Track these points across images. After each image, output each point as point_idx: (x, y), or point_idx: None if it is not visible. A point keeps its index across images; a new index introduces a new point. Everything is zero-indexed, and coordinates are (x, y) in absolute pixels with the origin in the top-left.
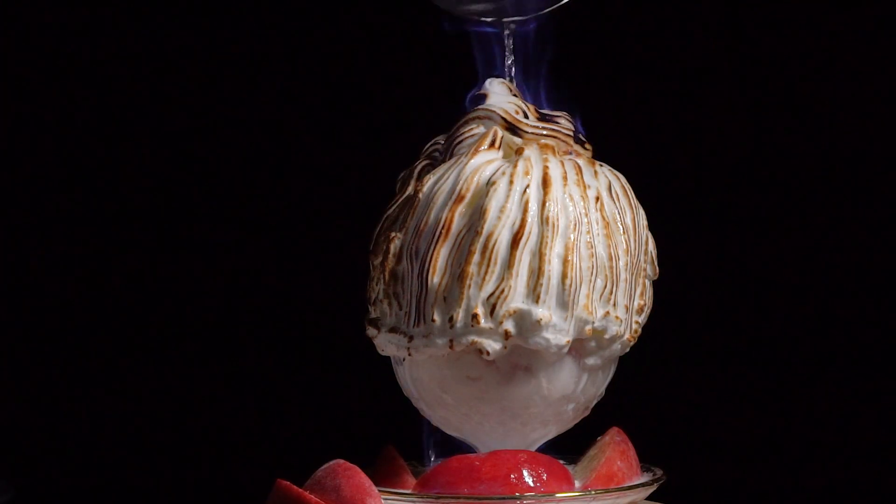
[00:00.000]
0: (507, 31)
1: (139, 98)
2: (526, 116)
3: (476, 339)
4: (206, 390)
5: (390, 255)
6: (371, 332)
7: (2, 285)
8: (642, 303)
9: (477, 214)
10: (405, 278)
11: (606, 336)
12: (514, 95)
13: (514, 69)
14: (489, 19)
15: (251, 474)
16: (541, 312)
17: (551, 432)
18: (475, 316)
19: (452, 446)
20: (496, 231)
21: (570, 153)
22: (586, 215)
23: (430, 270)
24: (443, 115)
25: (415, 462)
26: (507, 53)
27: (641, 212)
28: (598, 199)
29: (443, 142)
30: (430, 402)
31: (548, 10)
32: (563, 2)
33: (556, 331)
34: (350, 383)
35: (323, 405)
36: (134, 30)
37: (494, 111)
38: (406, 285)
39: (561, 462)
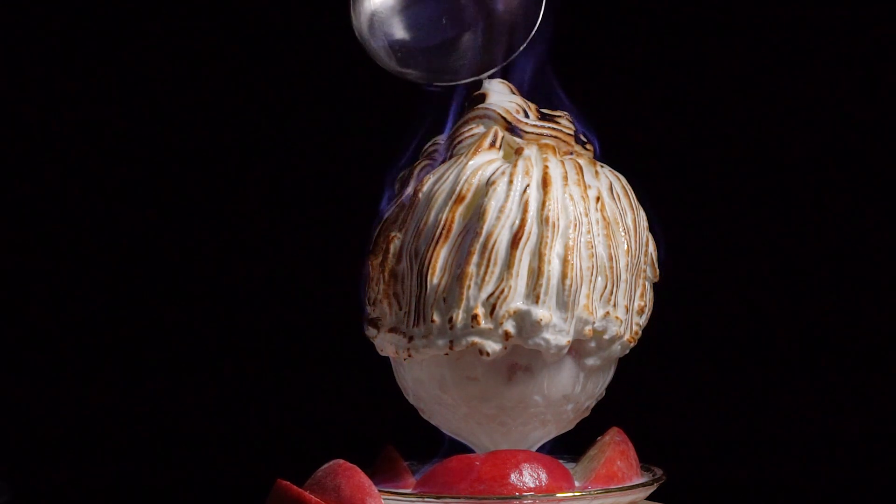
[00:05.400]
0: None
1: (138, 98)
2: (526, 116)
3: (476, 339)
4: (206, 390)
5: (390, 255)
6: (370, 332)
7: (1, 285)
8: (642, 304)
9: (476, 215)
10: (405, 278)
11: (606, 336)
12: (514, 94)
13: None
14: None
15: (251, 474)
16: (541, 313)
17: (551, 432)
18: (475, 316)
19: (452, 446)
20: (496, 231)
21: (571, 153)
22: (586, 215)
23: (430, 271)
24: (443, 115)
25: (415, 462)
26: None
27: (642, 213)
28: (598, 199)
29: (442, 142)
30: (429, 402)
31: (480, 76)
32: (495, 69)
33: (556, 331)
34: (350, 383)
35: (323, 405)
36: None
37: (494, 111)
38: (406, 285)
39: (561, 462)
